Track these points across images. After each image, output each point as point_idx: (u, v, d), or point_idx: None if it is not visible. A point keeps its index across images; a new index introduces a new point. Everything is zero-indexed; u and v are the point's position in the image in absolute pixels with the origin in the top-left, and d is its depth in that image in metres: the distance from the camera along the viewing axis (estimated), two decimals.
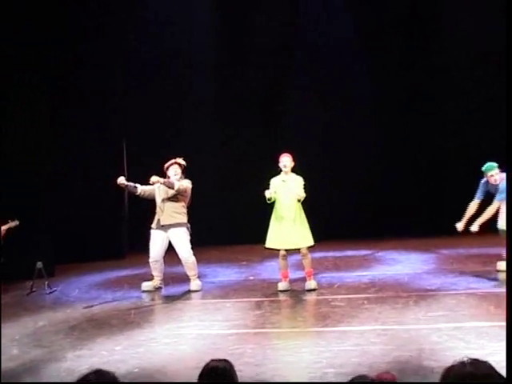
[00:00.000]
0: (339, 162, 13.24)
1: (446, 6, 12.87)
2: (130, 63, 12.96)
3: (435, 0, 13.12)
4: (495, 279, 8.61)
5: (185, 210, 9.11)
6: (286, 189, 8.54)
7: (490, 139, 11.72)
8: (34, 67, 11.01)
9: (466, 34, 12.51)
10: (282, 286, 8.73)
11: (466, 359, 2.06)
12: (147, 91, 12.92)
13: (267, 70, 13.49)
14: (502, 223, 8.58)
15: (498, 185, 8.65)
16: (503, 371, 4.21)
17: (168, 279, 9.39)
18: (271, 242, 8.71)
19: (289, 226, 8.57)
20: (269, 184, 8.64)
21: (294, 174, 8.68)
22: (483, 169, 8.77)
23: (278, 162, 8.69)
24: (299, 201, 8.54)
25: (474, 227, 8.55)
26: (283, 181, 8.60)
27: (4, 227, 9.32)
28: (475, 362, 2.05)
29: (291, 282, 8.86)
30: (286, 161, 8.61)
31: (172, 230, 9.00)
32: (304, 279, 8.80)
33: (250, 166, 12.79)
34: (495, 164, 8.69)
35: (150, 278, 9.17)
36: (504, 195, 8.41)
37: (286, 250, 8.70)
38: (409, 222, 11.41)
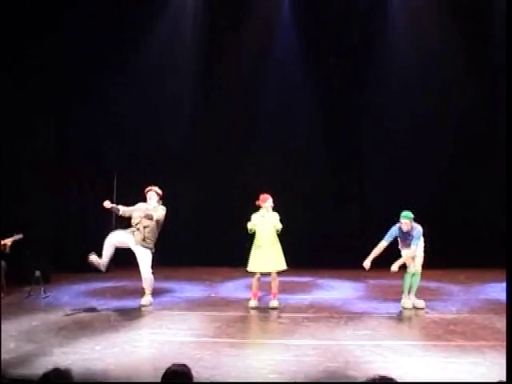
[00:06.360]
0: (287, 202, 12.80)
1: None
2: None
3: None
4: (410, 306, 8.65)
5: (155, 236, 8.79)
6: (265, 223, 8.60)
7: None
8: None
9: None
10: (252, 303, 8.67)
11: (376, 376, 2.09)
12: (140, 127, 12.39)
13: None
14: (414, 268, 8.53)
15: (409, 232, 8.38)
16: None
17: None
18: (252, 266, 8.67)
19: (267, 252, 8.60)
20: (250, 218, 8.60)
21: (270, 211, 8.73)
22: (401, 215, 8.36)
23: (256, 199, 8.67)
24: (278, 231, 8.60)
25: (395, 267, 8.18)
26: (262, 216, 8.65)
27: (10, 239, 9.17)
28: (384, 379, 2.08)
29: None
30: (271, 202, 8.70)
31: (139, 248, 8.72)
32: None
33: (221, 202, 12.53)
34: (411, 214, 8.37)
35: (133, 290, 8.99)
36: (418, 241, 8.37)
37: (261, 274, 8.71)
38: (344, 255, 11.37)
